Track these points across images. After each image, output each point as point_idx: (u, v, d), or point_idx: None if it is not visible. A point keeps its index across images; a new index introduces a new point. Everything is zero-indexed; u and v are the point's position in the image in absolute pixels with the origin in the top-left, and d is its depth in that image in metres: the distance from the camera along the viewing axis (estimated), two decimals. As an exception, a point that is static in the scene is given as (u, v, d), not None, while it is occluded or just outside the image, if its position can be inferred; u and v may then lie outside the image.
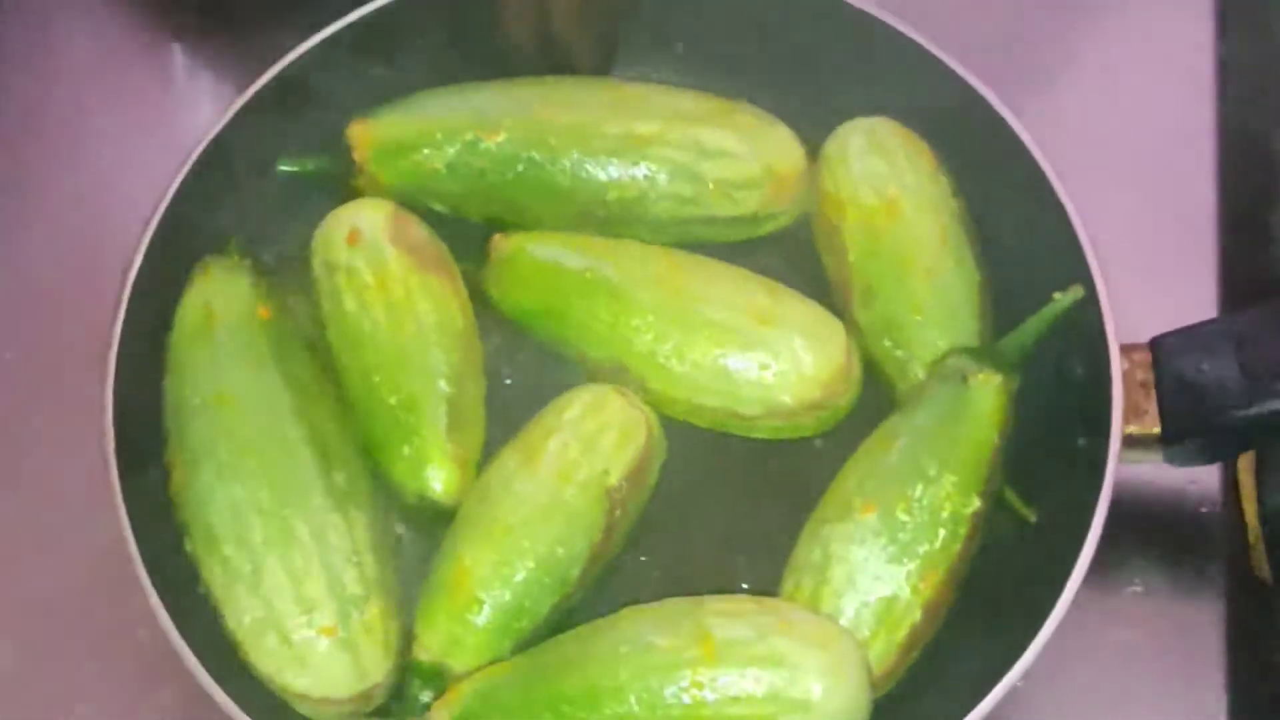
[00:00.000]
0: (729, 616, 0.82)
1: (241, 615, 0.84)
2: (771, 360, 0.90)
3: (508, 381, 0.96)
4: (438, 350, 0.92)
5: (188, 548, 0.87)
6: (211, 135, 0.94)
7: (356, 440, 0.91)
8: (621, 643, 0.82)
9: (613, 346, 0.92)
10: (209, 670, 0.82)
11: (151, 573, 0.84)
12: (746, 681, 0.80)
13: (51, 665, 0.96)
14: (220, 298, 0.93)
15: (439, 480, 0.89)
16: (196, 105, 1.12)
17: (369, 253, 0.94)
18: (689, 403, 0.92)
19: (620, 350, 0.92)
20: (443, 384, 0.91)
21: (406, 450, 0.90)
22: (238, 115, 0.95)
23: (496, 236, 0.96)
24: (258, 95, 0.95)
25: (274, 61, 0.97)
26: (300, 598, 0.84)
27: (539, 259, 0.95)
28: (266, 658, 0.84)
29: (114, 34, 1.15)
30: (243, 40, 1.11)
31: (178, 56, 1.14)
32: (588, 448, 0.88)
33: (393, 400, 0.90)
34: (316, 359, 0.94)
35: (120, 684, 0.95)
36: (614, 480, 0.87)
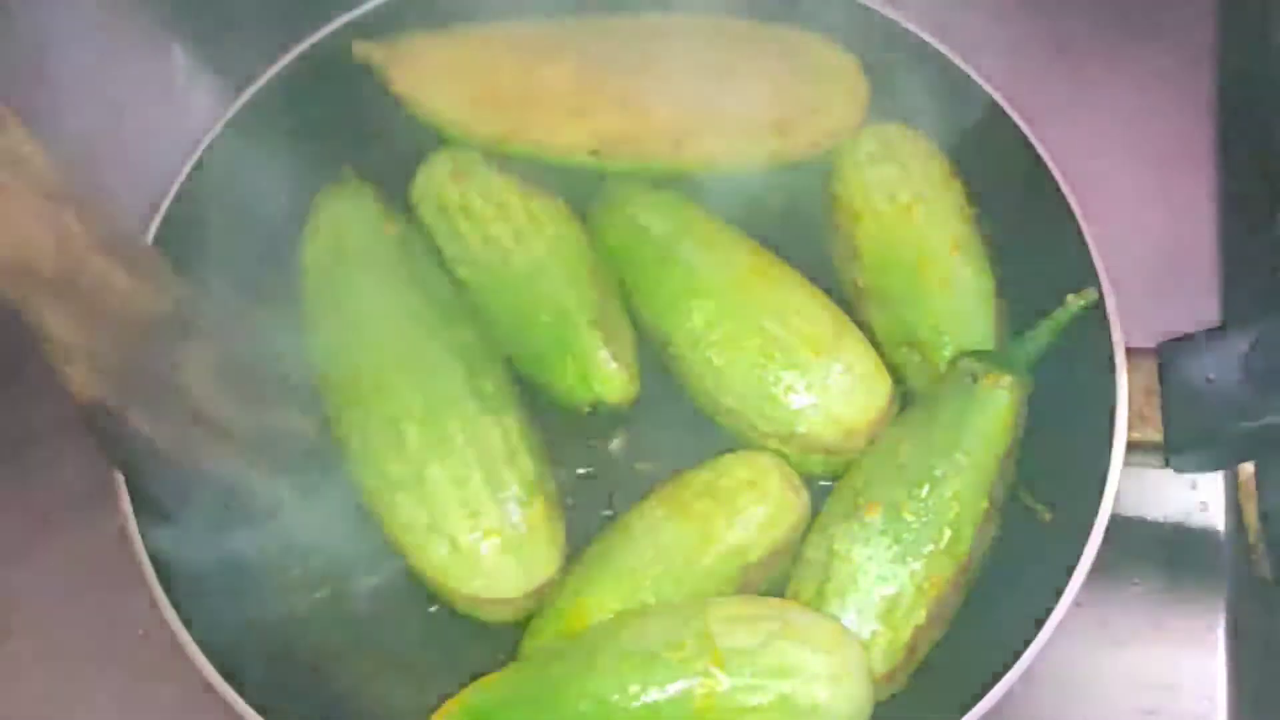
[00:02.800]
0: (733, 622, 0.82)
1: (406, 525, 0.86)
2: (805, 387, 0.90)
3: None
4: (574, 263, 0.94)
5: (346, 469, 0.88)
6: (212, 135, 0.95)
7: (498, 350, 0.93)
8: (627, 654, 0.82)
9: (669, 317, 0.93)
10: (215, 665, 0.82)
11: (156, 570, 0.84)
12: (754, 691, 0.80)
13: (51, 665, 0.96)
14: (347, 219, 0.94)
15: (606, 385, 0.91)
16: (196, 105, 1.12)
17: (480, 184, 0.96)
18: (714, 400, 0.92)
19: (674, 324, 0.93)
20: (588, 292, 0.92)
21: (571, 362, 0.91)
22: (238, 115, 0.95)
23: (611, 179, 0.98)
24: (258, 95, 0.96)
25: (274, 61, 0.97)
26: (464, 502, 0.85)
27: (637, 215, 0.96)
28: (436, 564, 0.85)
29: (114, 34, 1.15)
30: (243, 40, 1.11)
31: (178, 56, 1.14)
32: (735, 521, 0.87)
33: (546, 318, 0.92)
34: (445, 272, 0.95)
35: (120, 684, 0.95)
36: (753, 558, 0.87)
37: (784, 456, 0.91)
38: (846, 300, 0.96)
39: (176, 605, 0.83)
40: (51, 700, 0.95)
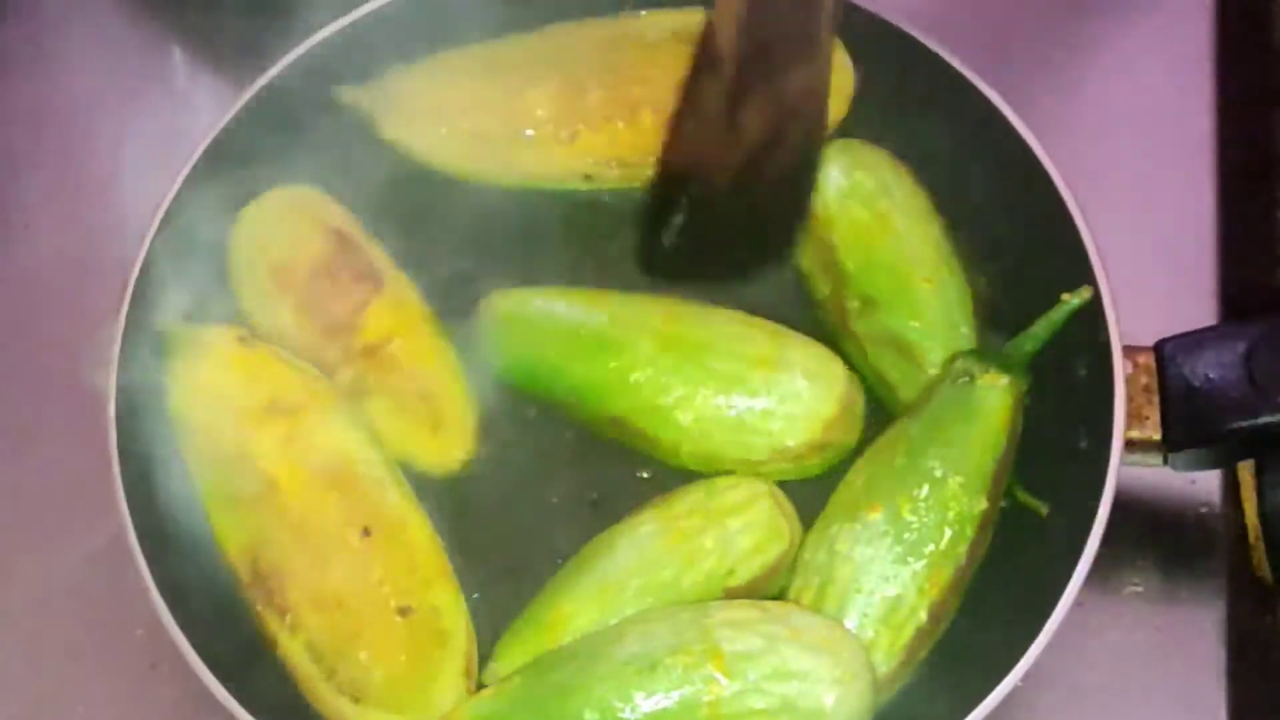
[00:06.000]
0: (737, 627, 0.82)
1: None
2: (775, 405, 0.89)
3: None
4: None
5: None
6: (212, 136, 0.94)
7: None
8: (631, 660, 0.81)
9: (615, 402, 0.91)
10: (212, 670, 0.82)
11: (154, 571, 0.84)
12: (758, 696, 0.80)
13: (51, 665, 0.96)
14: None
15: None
16: (196, 105, 1.12)
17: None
18: (695, 452, 0.91)
19: (623, 406, 0.91)
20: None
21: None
22: (238, 115, 0.95)
23: (483, 300, 0.95)
24: (258, 95, 0.96)
25: (274, 61, 0.97)
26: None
27: (532, 316, 0.94)
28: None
29: (114, 34, 1.15)
30: (243, 40, 1.11)
31: (178, 56, 1.14)
32: (723, 542, 0.87)
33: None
34: None
35: (120, 684, 0.95)
36: (736, 582, 0.87)
37: (783, 470, 0.90)
38: (821, 309, 0.96)
39: (175, 610, 0.83)
40: (50, 700, 0.95)
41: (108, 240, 1.00)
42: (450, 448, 0.92)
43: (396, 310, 0.94)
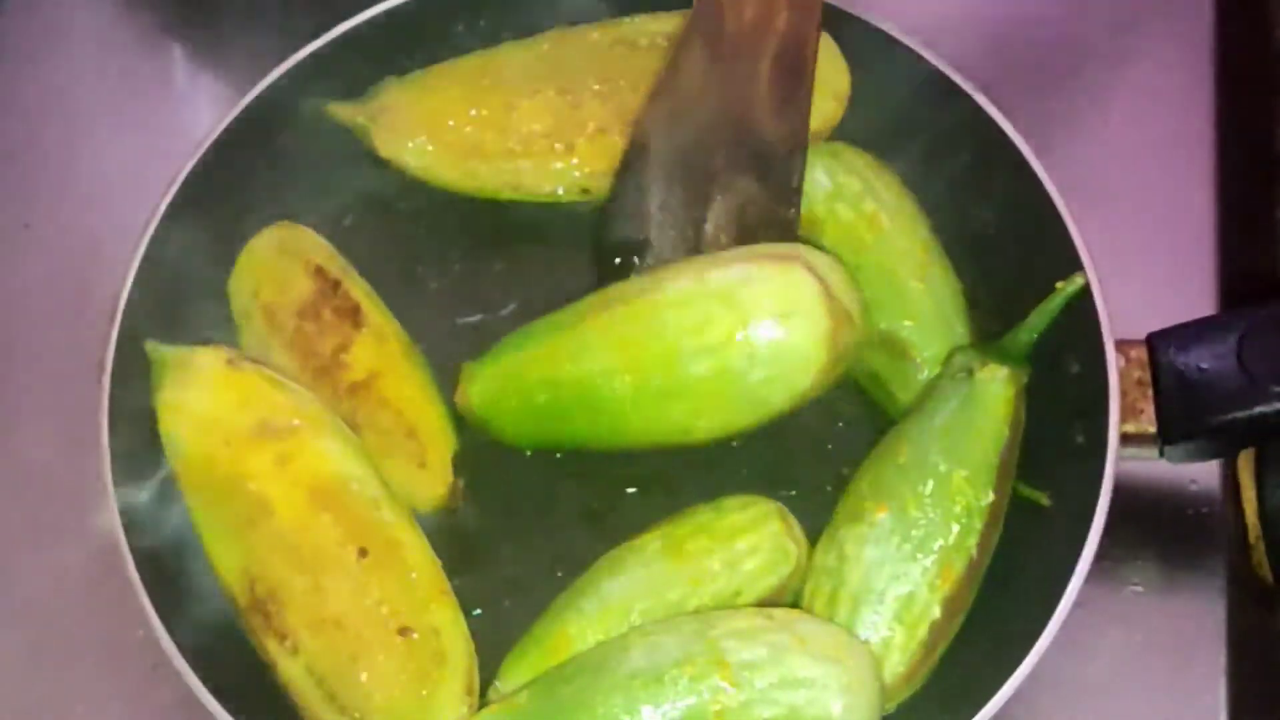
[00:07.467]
0: (742, 637, 0.81)
1: None
2: (763, 349, 0.84)
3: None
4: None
5: None
6: (213, 137, 0.94)
7: None
8: (637, 674, 0.81)
9: (626, 427, 0.89)
10: (197, 671, 0.82)
11: (143, 574, 0.84)
12: (765, 705, 0.80)
13: (51, 665, 0.95)
14: None
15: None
16: (196, 105, 1.12)
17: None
18: (714, 428, 0.88)
19: (636, 427, 0.89)
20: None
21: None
22: (239, 116, 0.95)
23: (457, 391, 0.92)
24: (259, 96, 0.96)
25: (275, 62, 0.97)
26: None
27: (509, 389, 0.91)
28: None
29: (114, 34, 1.15)
30: (243, 40, 1.11)
31: (178, 56, 1.14)
32: (730, 565, 0.86)
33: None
34: None
35: (120, 684, 0.95)
36: (743, 603, 0.86)
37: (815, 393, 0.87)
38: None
39: (163, 615, 0.83)
40: (50, 700, 0.95)
41: (107, 240, 1.00)
42: (436, 482, 0.92)
43: (378, 346, 0.93)
